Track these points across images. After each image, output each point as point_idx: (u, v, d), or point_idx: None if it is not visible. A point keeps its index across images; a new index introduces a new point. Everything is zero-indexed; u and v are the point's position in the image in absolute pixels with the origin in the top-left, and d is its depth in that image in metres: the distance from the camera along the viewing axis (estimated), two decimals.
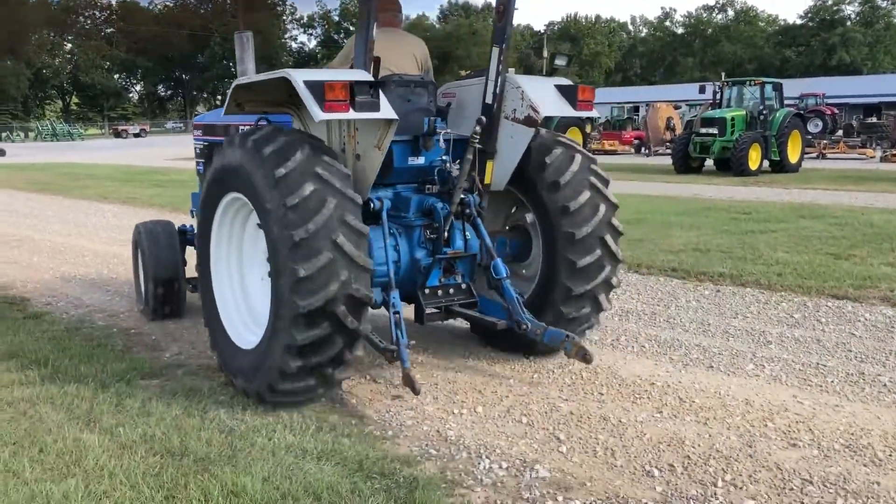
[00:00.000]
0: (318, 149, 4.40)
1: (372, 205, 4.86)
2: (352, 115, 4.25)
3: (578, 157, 5.26)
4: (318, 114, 4.16)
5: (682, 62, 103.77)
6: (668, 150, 33.23)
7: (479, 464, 3.85)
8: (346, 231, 4.18)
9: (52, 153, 43.77)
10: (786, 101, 25.30)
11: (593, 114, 5.28)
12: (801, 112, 28.14)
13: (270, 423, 4.23)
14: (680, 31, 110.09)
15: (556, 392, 4.86)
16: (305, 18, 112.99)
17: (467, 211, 5.03)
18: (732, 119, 22.76)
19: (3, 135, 70.04)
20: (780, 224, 11.63)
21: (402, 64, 5.47)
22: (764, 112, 22.80)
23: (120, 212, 15.08)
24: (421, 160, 5.10)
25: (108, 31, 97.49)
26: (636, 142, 40.80)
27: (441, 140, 4.89)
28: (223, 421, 4.27)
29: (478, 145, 4.89)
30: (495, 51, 5.06)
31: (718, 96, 24.79)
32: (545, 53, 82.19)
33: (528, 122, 5.04)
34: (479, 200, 5.12)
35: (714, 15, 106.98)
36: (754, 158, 21.96)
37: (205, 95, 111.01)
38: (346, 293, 4.15)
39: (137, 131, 74.45)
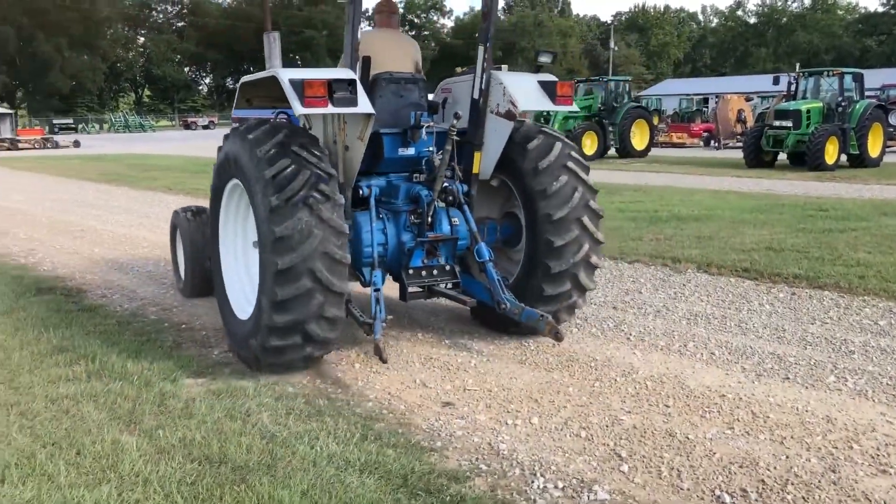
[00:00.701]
0: (296, 133, 4.96)
1: (361, 191, 5.39)
2: (330, 109, 4.69)
3: (558, 145, 5.61)
4: (298, 108, 4.62)
5: (755, 52, 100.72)
6: (739, 144, 32.18)
7: (533, 482, 3.57)
8: (321, 197, 4.65)
9: (123, 144, 44.93)
10: (866, 93, 24.13)
11: (573, 108, 5.82)
12: (883, 103, 26.79)
13: (314, 430, 4.03)
14: (752, 20, 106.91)
15: (619, 403, 4.55)
16: (370, 11, 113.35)
17: (450, 198, 5.45)
18: (808, 111, 21.78)
19: (80, 126, 72.33)
20: (861, 222, 10.96)
21: (396, 62, 5.81)
22: (843, 104, 21.76)
23: (185, 202, 15.19)
24: (411, 151, 5.54)
25: (179, 25, 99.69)
26: (705, 134, 39.68)
27: (424, 132, 5.33)
28: (265, 425, 4.09)
29: (455, 137, 5.23)
30: (480, 49, 5.47)
31: (793, 88, 23.79)
32: (612, 45, 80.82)
33: (509, 115, 5.47)
34: (465, 188, 5.57)
35: (789, 3, 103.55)
36: (831, 152, 20.99)
37: None
38: (322, 251, 4.59)
39: (206, 123, 75.93)
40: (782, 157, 23.07)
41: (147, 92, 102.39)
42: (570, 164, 5.56)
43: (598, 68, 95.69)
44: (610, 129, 28.40)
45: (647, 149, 29.15)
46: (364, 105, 4.77)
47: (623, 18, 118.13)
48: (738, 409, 4.42)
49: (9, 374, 4.87)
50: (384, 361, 4.78)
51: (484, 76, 5.49)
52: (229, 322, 5.40)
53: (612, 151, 29.07)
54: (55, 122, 71.13)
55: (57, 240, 10.69)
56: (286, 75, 4.70)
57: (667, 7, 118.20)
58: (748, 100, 39.54)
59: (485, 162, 5.69)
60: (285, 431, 4.02)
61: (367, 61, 5.43)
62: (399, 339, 5.89)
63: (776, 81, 24.99)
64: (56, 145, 44.87)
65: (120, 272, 8.46)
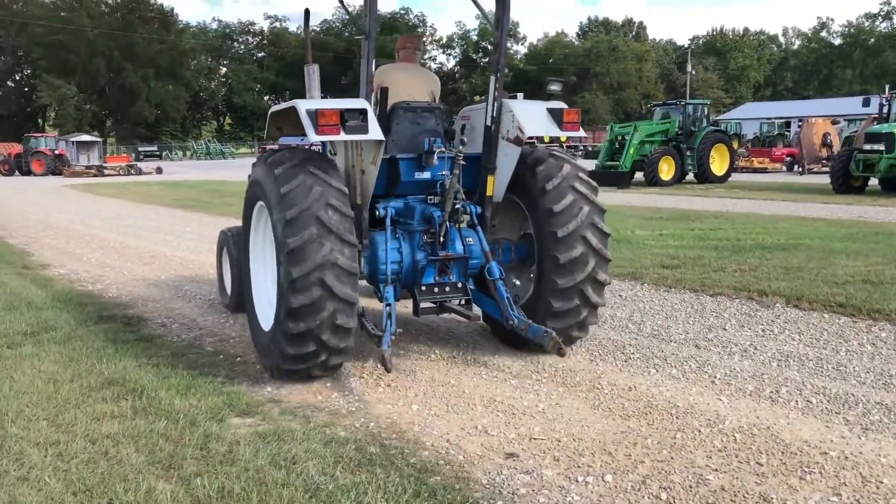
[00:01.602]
0: (311, 156, 5.32)
1: (378, 212, 5.75)
2: (342, 136, 5.05)
3: (566, 167, 5.90)
4: (312, 136, 4.97)
5: (840, 75, 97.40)
6: (825, 169, 30.90)
7: None
8: (331, 211, 4.97)
9: (203, 171, 46.08)
10: None
11: (580, 133, 5.99)
12: None
13: (362, 483, 3.67)
14: (838, 41, 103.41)
15: (704, 459, 4.05)
16: (444, 39, 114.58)
17: (459, 218, 5.78)
18: None
19: (164, 153, 74.85)
20: None
21: (413, 93, 6.23)
22: None
23: None
24: (427, 175, 5.86)
25: (260, 55, 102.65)
26: (788, 159, 38.35)
27: (436, 157, 5.69)
28: (310, 476, 3.75)
29: (462, 162, 5.50)
30: (492, 80, 5.85)
31: (885, 110, 22.59)
32: (689, 69, 79.31)
33: (517, 141, 5.76)
34: (479, 210, 5.92)
35: (877, 24, 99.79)
36: None
37: None
38: (332, 262, 4.89)
39: None
40: (873, 182, 21.88)
41: (228, 120, 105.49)
42: (577, 185, 5.83)
43: (674, 93, 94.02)
44: (688, 153, 27.54)
45: (728, 174, 28.16)
46: (374, 132, 5.11)
47: (700, 42, 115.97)
48: (844, 471, 3.87)
49: (54, 410, 4.68)
50: (388, 371, 4.96)
51: (495, 104, 5.84)
52: (256, 333, 5.75)
53: (690, 176, 28.17)
54: (140, 149, 73.80)
55: (126, 266, 10.73)
56: (303, 106, 5.09)
57: (746, 30, 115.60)
58: (834, 123, 37.95)
59: (497, 185, 5.96)
60: (331, 484, 3.67)
61: (384, 92, 5.94)
62: (461, 377, 5.51)
63: (867, 103, 23.83)
64: (139, 172, 46.38)
65: (183, 300, 8.34)
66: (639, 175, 27.31)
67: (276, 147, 6.19)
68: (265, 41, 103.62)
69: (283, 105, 5.68)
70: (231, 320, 7.37)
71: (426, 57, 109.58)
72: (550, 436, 4.37)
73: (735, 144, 31.07)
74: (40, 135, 53.24)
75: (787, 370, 5.57)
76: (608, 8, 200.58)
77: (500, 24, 5.83)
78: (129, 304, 8.12)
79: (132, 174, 45.06)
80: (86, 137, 54.06)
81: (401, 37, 6.78)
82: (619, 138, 27.94)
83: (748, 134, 51.13)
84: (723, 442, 4.26)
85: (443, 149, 5.75)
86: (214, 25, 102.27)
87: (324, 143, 6.22)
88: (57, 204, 23.08)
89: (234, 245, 7.28)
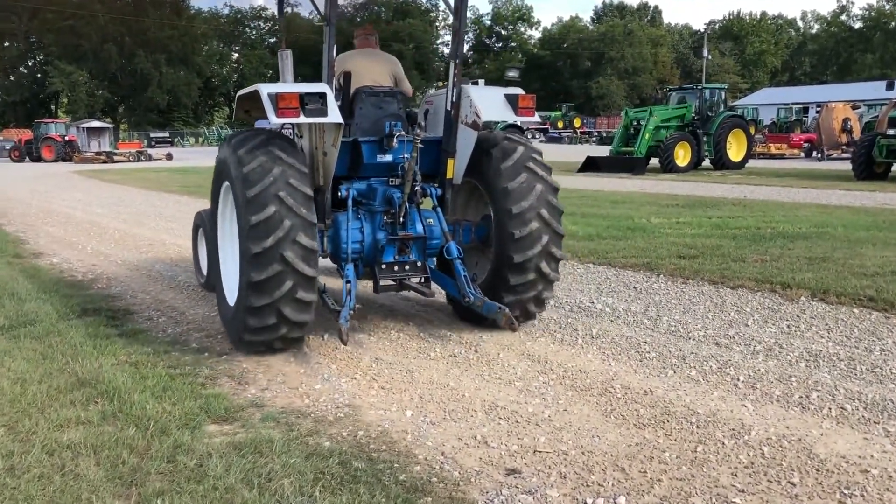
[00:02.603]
0: (273, 137, 5.51)
1: (340, 193, 5.93)
2: (301, 119, 5.22)
3: (520, 148, 6.11)
4: (272, 118, 5.15)
5: (860, 59, 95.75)
6: (845, 155, 30.22)
7: None
8: (290, 190, 5.16)
9: (214, 157, 45.63)
10: None
11: (534, 119, 6.15)
12: None
13: None
14: (857, 25, 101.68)
15: (728, 477, 3.60)
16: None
17: (419, 200, 6.00)
18: None
19: (175, 140, 74.58)
20: None
21: (376, 78, 6.42)
22: None
23: None
24: (388, 157, 6.00)
25: (272, 41, 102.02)
26: (806, 145, 37.62)
27: (396, 140, 5.82)
28: (285, 496, 3.34)
29: (420, 145, 5.65)
30: (451, 66, 6.05)
31: None
32: (706, 53, 78.21)
33: (474, 125, 5.95)
34: (440, 192, 6.17)
35: None
36: None
37: None
38: (292, 238, 5.09)
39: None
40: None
41: None
42: (531, 165, 6.03)
43: (690, 78, 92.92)
44: (704, 139, 26.93)
45: (745, 160, 27.57)
46: (333, 116, 5.28)
47: (717, 27, 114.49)
48: (890, 493, 3.42)
49: (15, 415, 4.29)
50: (344, 343, 5.18)
51: (455, 90, 6.00)
52: (222, 307, 6.08)
53: (706, 163, 27.55)
54: (152, 135, 73.57)
55: (121, 254, 10.35)
56: (265, 89, 5.27)
57: (763, 14, 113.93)
58: (854, 108, 37.08)
59: (457, 167, 6.17)
60: None
61: (347, 77, 6.11)
62: (462, 378, 5.08)
63: (890, 86, 23.16)
64: (149, 158, 46.10)
65: (174, 290, 7.95)
66: (654, 161, 26.74)
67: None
68: (277, 27, 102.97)
69: (248, 89, 5.80)
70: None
71: (439, 42, 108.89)
72: (557, 448, 3.94)
73: (752, 130, 30.41)
74: (50, 121, 53.11)
75: (816, 372, 5.11)
76: None
77: (458, 13, 5.96)
78: (118, 295, 7.73)
79: (142, 160, 44.79)
80: (96, 123, 53.80)
81: (359, 27, 7.09)
82: (635, 123, 27.36)
83: (765, 119, 50.24)
84: (749, 457, 3.82)
85: (403, 132, 5.90)
86: (226, 11, 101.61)
87: (292, 127, 6.43)
88: (61, 191, 22.78)
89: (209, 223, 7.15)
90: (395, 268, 5.91)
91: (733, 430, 4.15)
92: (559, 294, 7.48)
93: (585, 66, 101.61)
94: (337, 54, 6.19)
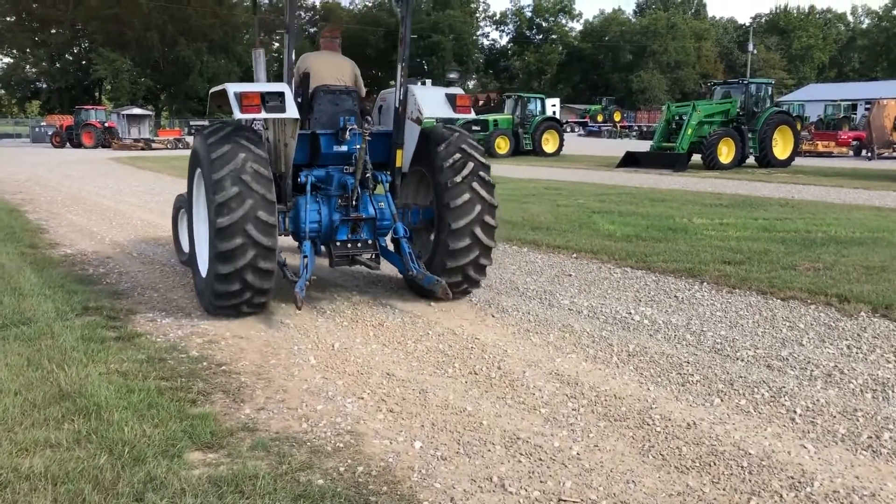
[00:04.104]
0: (239, 128, 6.21)
1: (300, 179, 6.67)
2: (262, 115, 5.97)
3: (455, 134, 6.93)
4: (237, 114, 5.90)
5: None
6: None
7: None
8: (252, 173, 5.87)
9: None
10: None
11: (470, 116, 7.02)
12: None
13: None
14: None
15: None
16: (498, 15, 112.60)
17: (370, 185, 6.74)
18: None
19: None
20: None
21: (334, 77, 7.18)
22: None
23: None
24: (343, 148, 6.77)
25: (312, 30, 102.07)
26: (855, 143, 36.30)
27: (349, 133, 6.60)
28: None
29: (368, 138, 6.36)
30: (398, 68, 6.83)
31: None
32: (751, 48, 76.38)
33: (417, 121, 6.81)
34: (390, 178, 6.99)
35: None
36: None
37: None
38: (253, 215, 5.80)
39: None
40: None
41: None
42: (464, 146, 6.81)
43: (734, 72, 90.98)
44: (749, 135, 25.95)
45: (791, 158, 26.55)
46: (291, 111, 6.05)
47: (763, 20, 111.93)
48: None
49: None
50: (298, 308, 5.86)
51: (402, 89, 6.84)
52: (196, 279, 6.81)
53: (750, 160, 26.58)
54: (192, 123, 73.95)
55: (139, 246, 10.00)
56: (232, 88, 6.05)
57: (812, 8, 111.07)
58: None
59: (405, 157, 7.02)
60: None
61: (306, 77, 6.98)
62: (481, 402, 4.54)
63: None
64: (187, 146, 46.16)
65: (184, 289, 7.52)
66: (696, 157, 25.85)
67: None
68: (317, 16, 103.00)
69: (218, 87, 6.52)
70: (231, 314, 6.52)
71: (479, 33, 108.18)
72: (585, 496, 3.38)
73: (798, 126, 29.31)
74: (91, 107, 53.45)
75: (886, 406, 4.48)
76: None
77: (404, 20, 6.74)
78: (125, 292, 7.33)
79: (180, 148, 44.86)
80: (136, 111, 54.08)
81: (325, 28, 8.08)
82: (676, 118, 26.47)
83: (811, 116, 48.78)
84: None
85: (355, 126, 6.62)
86: (266, 0, 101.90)
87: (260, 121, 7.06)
88: (95, 177, 22.66)
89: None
90: (349, 245, 6.65)
91: (792, 478, 3.56)
92: (593, 302, 6.92)
93: (627, 60, 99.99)
94: (297, 57, 6.94)
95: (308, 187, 6.66)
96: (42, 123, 60.28)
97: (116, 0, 79.39)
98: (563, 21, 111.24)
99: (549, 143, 34.27)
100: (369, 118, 6.84)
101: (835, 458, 3.79)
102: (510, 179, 20.80)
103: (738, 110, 26.19)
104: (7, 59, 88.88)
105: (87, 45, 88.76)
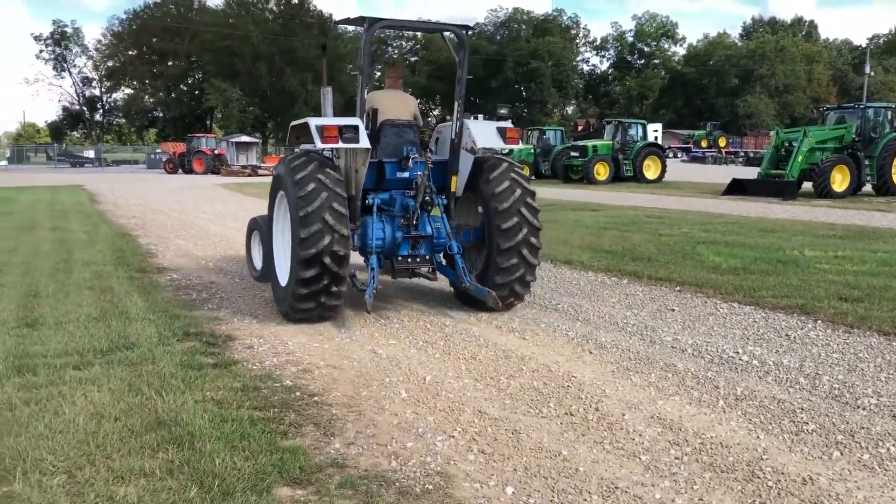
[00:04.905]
0: (322, 164, 7.04)
1: (367, 201, 7.53)
2: (340, 145, 6.90)
3: (505, 163, 7.70)
4: (319, 144, 6.85)
5: None
6: None
7: None
8: (332, 212, 6.72)
9: None
10: None
11: (518, 146, 8.30)
12: None
13: None
14: None
15: None
16: (598, 40, 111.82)
17: (428, 207, 7.53)
18: None
19: None
20: None
21: (397, 113, 7.98)
22: None
23: None
24: (406, 174, 7.62)
25: (413, 59, 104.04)
26: None
27: (411, 161, 7.52)
28: None
29: (431, 165, 7.38)
30: (455, 105, 7.69)
31: None
32: (868, 70, 73.05)
33: (471, 151, 7.69)
34: (445, 202, 7.74)
35: None
36: None
37: (496, 119, 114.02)
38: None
39: None
40: None
41: None
42: (513, 175, 7.60)
43: (848, 96, 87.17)
44: (866, 162, 24.62)
45: None
46: (363, 142, 6.97)
47: (881, 41, 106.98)
48: None
49: (80, 459, 3.94)
50: (368, 312, 6.97)
51: (458, 123, 7.68)
52: (276, 289, 7.63)
53: (867, 188, 25.20)
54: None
55: (241, 272, 10.22)
56: (313, 122, 6.99)
57: None
58: None
59: (459, 182, 7.85)
60: None
61: (374, 112, 7.82)
62: (577, 446, 4.32)
63: None
64: None
65: (278, 314, 7.61)
66: (806, 185, 24.72)
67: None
68: (418, 46, 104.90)
69: (299, 121, 7.53)
70: (327, 342, 6.55)
71: (578, 59, 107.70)
72: None
73: None
74: (202, 135, 55.96)
75: None
76: (775, 7, 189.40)
77: (461, 63, 7.56)
78: (225, 318, 7.47)
79: None
80: (245, 138, 56.30)
81: (389, 68, 9.11)
82: (786, 144, 25.41)
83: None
84: None
85: (417, 156, 7.57)
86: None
87: (332, 150, 7.65)
88: (203, 202, 23.57)
89: (264, 226, 8.52)
90: (409, 259, 7.50)
91: None
92: (697, 339, 6.58)
93: (732, 84, 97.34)
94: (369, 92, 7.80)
95: (374, 208, 7.49)
96: (157, 151, 63.52)
97: (229, 32, 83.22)
98: (666, 45, 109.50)
99: (650, 170, 33.56)
100: (431, 149, 7.81)
101: None
102: (609, 207, 20.39)
103: (853, 136, 24.92)
104: (128, 90, 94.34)
105: (200, 75, 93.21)
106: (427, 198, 7.45)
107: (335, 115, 7.91)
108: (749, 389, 5.30)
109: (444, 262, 7.94)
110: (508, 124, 7.79)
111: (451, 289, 8.28)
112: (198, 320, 7.25)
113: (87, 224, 16.41)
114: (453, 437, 4.46)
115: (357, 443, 4.35)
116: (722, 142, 69.50)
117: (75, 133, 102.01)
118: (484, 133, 7.66)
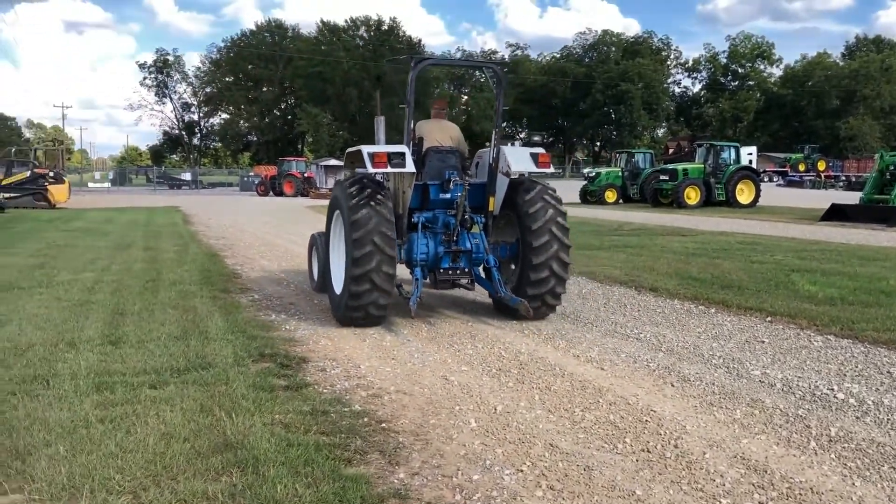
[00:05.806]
0: (375, 190, 7.93)
1: (413, 219, 8.43)
2: (388, 169, 7.85)
3: (538, 186, 8.50)
4: (370, 168, 7.77)
5: None
6: None
7: None
8: (381, 236, 7.60)
9: None
10: None
11: (549, 170, 8.75)
12: None
13: None
14: None
15: None
16: (690, 62, 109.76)
17: (468, 225, 8.42)
18: None
19: None
20: None
21: (442, 140, 8.92)
22: None
23: None
24: (448, 195, 8.45)
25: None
26: None
27: (452, 184, 8.33)
28: None
29: (468, 187, 8.13)
30: (494, 132, 8.43)
31: None
32: None
33: (507, 174, 8.53)
34: (483, 220, 8.57)
35: None
36: None
37: (584, 141, 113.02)
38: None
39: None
40: None
41: None
42: (546, 196, 8.34)
43: None
44: None
45: None
46: (409, 167, 7.83)
47: None
48: None
49: (146, 480, 3.95)
50: (412, 316, 7.77)
51: (495, 149, 8.38)
52: (332, 296, 8.50)
53: None
54: None
55: (320, 294, 10.29)
56: (365, 149, 7.89)
57: None
58: None
59: (496, 202, 8.62)
60: None
61: (420, 140, 8.74)
62: (652, 487, 4.08)
63: None
64: None
65: (357, 338, 7.59)
66: None
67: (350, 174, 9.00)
68: (506, 69, 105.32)
69: (354, 148, 8.49)
70: (398, 366, 6.47)
71: (669, 81, 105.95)
72: None
73: None
74: (292, 158, 57.51)
75: None
76: (882, 25, 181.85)
77: (498, 95, 8.53)
78: (300, 340, 7.50)
79: None
80: (333, 161, 57.57)
81: (435, 100, 9.65)
82: (891, 168, 24.18)
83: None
84: None
85: (457, 179, 8.33)
86: (458, 55, 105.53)
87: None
88: (290, 224, 24.08)
89: (322, 241, 9.52)
90: (450, 272, 8.36)
91: None
92: (788, 374, 6.20)
93: (833, 105, 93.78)
94: (415, 123, 8.54)
95: (419, 226, 8.39)
96: (250, 174, 65.59)
97: (320, 59, 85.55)
98: (761, 67, 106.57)
99: (743, 194, 32.44)
100: (469, 173, 8.80)
101: None
102: (700, 232, 19.77)
103: None
104: (224, 115, 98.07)
105: (292, 101, 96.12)
106: (466, 216, 8.32)
107: (387, 142, 8.71)
108: (844, 430, 4.92)
109: (482, 274, 8.80)
110: (540, 150, 8.72)
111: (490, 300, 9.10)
112: (274, 341, 7.30)
113: (178, 244, 16.98)
114: (522, 471, 4.28)
115: (422, 473, 4.22)
116: (821, 165, 66.81)
117: (174, 156, 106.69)
118: (518, 158, 8.42)
